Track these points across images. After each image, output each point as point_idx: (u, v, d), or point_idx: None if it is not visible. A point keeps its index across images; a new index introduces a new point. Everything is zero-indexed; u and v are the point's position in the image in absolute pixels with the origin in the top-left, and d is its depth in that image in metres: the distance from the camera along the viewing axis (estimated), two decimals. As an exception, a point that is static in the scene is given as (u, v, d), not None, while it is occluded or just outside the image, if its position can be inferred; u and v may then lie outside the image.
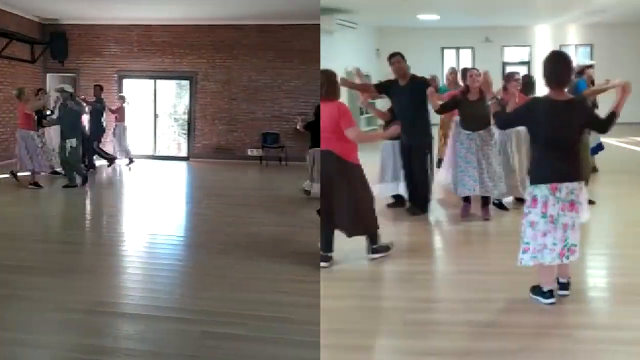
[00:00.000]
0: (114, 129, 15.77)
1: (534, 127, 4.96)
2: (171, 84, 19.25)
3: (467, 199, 8.10)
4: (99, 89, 14.98)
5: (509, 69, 19.76)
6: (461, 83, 9.10)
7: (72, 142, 11.75)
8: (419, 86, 7.89)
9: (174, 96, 19.46)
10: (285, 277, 6.13)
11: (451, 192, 8.36)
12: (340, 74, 6.79)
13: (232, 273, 6.32)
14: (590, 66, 10.26)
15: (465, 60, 23.16)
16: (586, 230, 6.18)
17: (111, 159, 15.01)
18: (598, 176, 10.67)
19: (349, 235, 6.20)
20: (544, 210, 4.85)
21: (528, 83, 8.45)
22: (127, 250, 7.51)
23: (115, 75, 18.19)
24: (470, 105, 7.83)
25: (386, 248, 6.34)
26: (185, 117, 18.60)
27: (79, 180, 11.75)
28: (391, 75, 8.18)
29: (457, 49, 24.06)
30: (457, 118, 8.25)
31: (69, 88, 12.25)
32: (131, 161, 15.79)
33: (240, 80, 17.87)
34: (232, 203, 10.79)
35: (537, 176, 4.93)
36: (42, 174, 12.39)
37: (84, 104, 13.79)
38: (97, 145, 14.70)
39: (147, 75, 18.41)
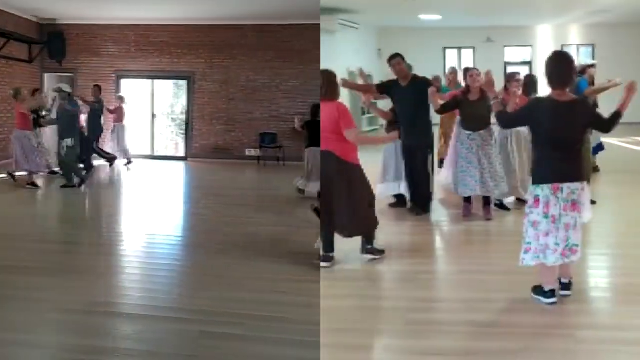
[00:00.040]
0: (113, 129, 15.75)
1: (536, 127, 4.96)
2: (169, 84, 19.23)
3: (468, 199, 8.10)
4: (97, 89, 14.93)
5: (510, 69, 19.77)
6: (463, 83, 9.09)
7: (67, 142, 11.71)
8: (421, 86, 7.88)
9: (171, 96, 19.43)
10: (283, 277, 6.12)
11: (453, 192, 8.34)
12: (342, 74, 6.79)
13: (230, 273, 6.32)
14: (592, 66, 10.26)
15: (467, 60, 23.18)
16: (588, 230, 6.18)
17: (112, 159, 14.96)
18: (599, 176, 10.66)
19: (349, 235, 6.19)
20: (545, 210, 4.85)
21: (530, 83, 8.43)
22: (125, 251, 7.50)
23: (113, 75, 18.16)
24: (471, 105, 7.83)
25: (380, 252, 6.31)
26: (183, 117, 18.58)
27: (77, 180, 11.70)
28: (393, 76, 8.17)
29: (459, 49, 24.08)
30: (459, 118, 8.24)
31: (66, 88, 12.22)
32: (129, 162, 15.76)
33: (238, 80, 17.85)
34: (230, 203, 10.79)
35: (539, 176, 4.93)
36: (40, 174, 12.36)
37: (82, 104, 13.79)
38: (96, 145, 14.65)
39: (144, 75, 18.38)
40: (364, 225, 6.16)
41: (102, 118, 15.05)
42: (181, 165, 17.35)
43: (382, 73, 8.29)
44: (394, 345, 4.53)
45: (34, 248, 7.32)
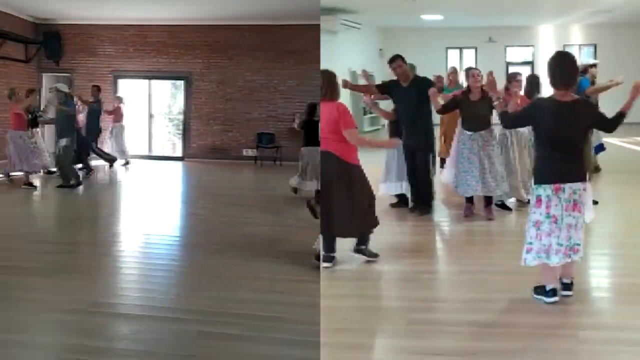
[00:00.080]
0: (111, 130, 15.72)
1: (538, 127, 4.97)
2: (166, 84, 19.21)
3: (470, 199, 8.09)
4: (96, 89, 14.89)
5: (512, 69, 19.79)
6: (465, 83, 9.07)
7: (63, 142, 11.67)
8: (422, 87, 7.87)
9: (169, 96, 19.41)
10: (280, 277, 6.11)
11: (454, 192, 8.32)
12: (344, 74, 6.77)
13: (227, 273, 6.31)
14: (594, 65, 10.26)
15: (469, 60, 23.20)
16: (589, 230, 6.16)
17: (111, 160, 14.88)
18: (601, 176, 10.64)
19: (348, 235, 6.16)
20: (547, 210, 4.86)
21: (534, 83, 8.42)
22: (122, 251, 7.48)
23: (110, 75, 18.15)
24: (472, 106, 7.82)
25: (374, 255, 6.23)
26: (181, 117, 18.57)
27: (73, 180, 11.67)
28: (394, 75, 8.15)
29: (461, 49, 24.09)
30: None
31: (63, 87, 12.17)
32: (127, 162, 15.74)
33: (236, 80, 17.84)
34: (228, 203, 10.78)
35: (541, 176, 4.93)
36: (36, 174, 12.32)
37: (80, 104, 13.78)
38: (96, 145, 14.61)
39: (142, 75, 18.38)
40: (363, 226, 6.12)
41: (101, 118, 15.00)
42: (178, 165, 17.34)
43: (383, 73, 8.29)
44: (395, 345, 4.52)
45: (30, 248, 7.29)
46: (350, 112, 6.09)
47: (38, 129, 12.96)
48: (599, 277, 5.94)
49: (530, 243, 4.97)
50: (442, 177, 8.83)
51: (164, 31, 17.91)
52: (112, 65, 18.17)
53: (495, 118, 7.73)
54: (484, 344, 4.35)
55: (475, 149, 7.77)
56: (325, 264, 6.09)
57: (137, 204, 10.95)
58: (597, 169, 10.45)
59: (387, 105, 8.85)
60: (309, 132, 10.29)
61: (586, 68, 9.82)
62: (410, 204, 8.43)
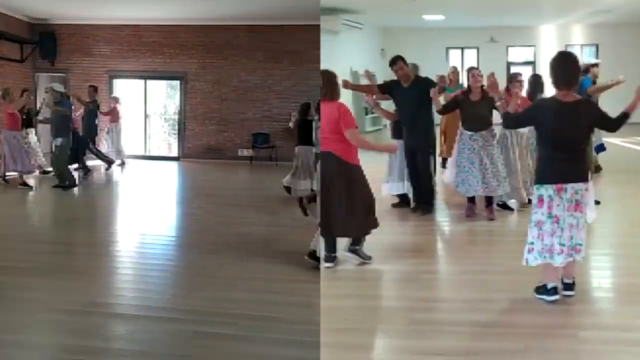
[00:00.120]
0: (108, 130, 15.71)
1: (541, 127, 4.98)
2: (162, 84, 19.21)
3: (471, 199, 8.10)
4: (93, 89, 14.87)
5: (513, 69, 19.82)
6: (466, 83, 9.09)
7: (58, 142, 11.64)
8: (423, 87, 7.88)
9: (164, 96, 19.41)
10: (276, 277, 6.13)
11: (455, 191, 8.32)
12: (345, 74, 6.77)
13: (223, 273, 6.33)
14: (596, 65, 10.29)
15: (471, 60, 23.15)
16: (591, 230, 6.14)
17: (109, 162, 14.77)
18: (603, 176, 10.61)
19: (347, 235, 6.13)
20: (549, 210, 4.88)
21: (537, 83, 8.42)
22: (118, 251, 7.48)
23: (106, 75, 18.12)
24: (472, 106, 7.83)
25: (367, 257, 6.18)
26: (176, 117, 18.57)
27: (69, 181, 11.65)
28: (395, 76, 8.17)
29: (462, 49, 24.07)
30: None
31: (58, 87, 12.15)
32: (123, 163, 15.73)
33: (231, 80, 17.85)
34: (223, 203, 10.80)
35: (543, 176, 4.96)
36: (31, 174, 12.32)
37: (77, 104, 13.78)
38: (94, 145, 14.58)
39: (137, 75, 18.35)
40: (363, 226, 6.09)
41: (98, 118, 14.99)
42: (174, 165, 17.34)
43: (385, 73, 8.30)
44: (396, 345, 4.52)
45: (26, 248, 7.31)
46: (351, 112, 6.08)
47: (32, 129, 12.96)
48: (601, 277, 5.91)
49: (532, 243, 4.99)
50: (444, 177, 8.85)
51: (159, 31, 17.90)
52: (107, 65, 18.15)
53: (495, 118, 7.79)
54: (485, 344, 4.35)
55: (476, 149, 7.77)
56: (327, 264, 6.09)
57: (133, 204, 10.96)
58: (598, 169, 10.42)
59: (388, 105, 8.88)
60: (303, 132, 10.33)
61: (588, 67, 9.84)
62: (412, 204, 8.44)
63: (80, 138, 13.50)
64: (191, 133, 18.16)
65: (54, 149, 11.75)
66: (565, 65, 4.92)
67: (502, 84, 7.93)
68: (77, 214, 10.19)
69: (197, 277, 6.20)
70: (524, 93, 8.20)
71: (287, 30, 17.24)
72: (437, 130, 8.98)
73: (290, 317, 5.04)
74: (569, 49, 16.53)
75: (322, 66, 6.66)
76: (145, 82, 18.64)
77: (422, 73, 8.70)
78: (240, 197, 11.56)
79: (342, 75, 7.96)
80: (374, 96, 8.62)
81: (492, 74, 7.39)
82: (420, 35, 22.02)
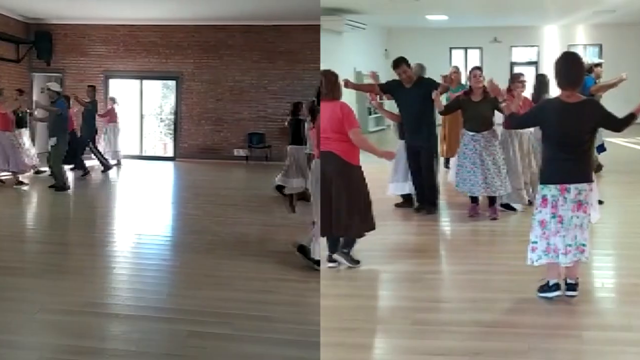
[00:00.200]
0: (106, 130, 15.70)
1: (545, 128, 5.01)
2: (157, 84, 19.20)
3: (474, 199, 8.12)
4: (91, 89, 14.84)
5: (517, 69, 19.80)
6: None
7: (52, 142, 11.61)
8: (425, 88, 7.90)
9: (160, 96, 19.39)
10: (272, 276, 6.15)
11: (459, 191, 8.34)
12: (349, 75, 6.76)
13: (218, 272, 6.35)
14: (599, 64, 10.31)
15: (474, 60, 23.08)
16: (593, 231, 6.13)
17: (106, 167, 14.63)
18: (605, 176, 10.57)
19: (348, 235, 6.09)
20: (553, 210, 4.90)
21: (542, 82, 8.41)
22: (113, 251, 7.49)
23: (102, 75, 18.12)
24: (474, 106, 7.83)
25: (356, 262, 6.12)
26: (172, 117, 18.58)
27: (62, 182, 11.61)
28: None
29: (466, 49, 24.06)
30: None
31: (55, 87, 12.14)
32: (119, 163, 15.73)
33: (226, 80, 17.87)
34: (219, 203, 10.82)
35: (547, 176, 4.99)
36: (23, 174, 12.33)
37: (75, 104, 13.79)
38: (94, 146, 14.55)
39: (133, 75, 18.36)
40: (362, 227, 6.08)
41: (96, 118, 14.98)
42: (170, 165, 17.34)
43: (388, 73, 8.33)
44: (399, 345, 4.52)
45: (21, 248, 7.33)
46: (354, 112, 6.09)
47: (25, 129, 12.97)
48: (604, 277, 5.88)
49: (535, 242, 5.01)
50: (449, 177, 8.85)
51: (155, 31, 17.91)
52: (103, 65, 18.15)
53: (497, 119, 7.82)
54: (488, 344, 4.35)
55: (478, 149, 7.77)
56: (330, 265, 6.10)
57: (129, 204, 10.97)
58: (598, 168, 10.38)
59: (391, 105, 8.89)
60: (295, 131, 10.39)
61: (591, 67, 9.85)
62: (415, 204, 8.46)
63: (78, 138, 13.50)
64: (187, 133, 18.18)
65: (49, 148, 11.75)
66: (569, 65, 4.93)
67: (505, 85, 7.98)
68: (73, 214, 10.21)
69: (192, 276, 6.22)
70: (526, 93, 8.22)
71: (282, 30, 17.28)
72: (438, 131, 9.01)
73: (286, 316, 5.06)
74: (573, 49, 16.51)
75: (326, 66, 6.64)
76: (141, 82, 18.63)
77: (425, 73, 8.74)
78: (236, 197, 11.58)
79: (345, 76, 7.98)
80: (378, 97, 8.65)
81: (491, 80, 7.42)
82: (424, 36, 22.08)
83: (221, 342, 4.57)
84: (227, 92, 17.88)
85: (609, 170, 10.94)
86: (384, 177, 8.72)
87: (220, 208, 10.22)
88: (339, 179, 5.91)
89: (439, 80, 8.18)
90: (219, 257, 6.91)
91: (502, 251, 6.75)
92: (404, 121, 8.27)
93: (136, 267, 6.70)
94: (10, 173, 11.91)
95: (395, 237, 7.07)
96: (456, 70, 11.41)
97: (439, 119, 8.69)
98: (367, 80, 8.80)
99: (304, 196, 7.24)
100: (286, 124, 11.07)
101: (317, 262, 6.17)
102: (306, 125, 9.98)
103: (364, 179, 6.08)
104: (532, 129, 7.83)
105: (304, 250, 6.35)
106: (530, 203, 7.63)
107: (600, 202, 7.12)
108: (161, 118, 19.28)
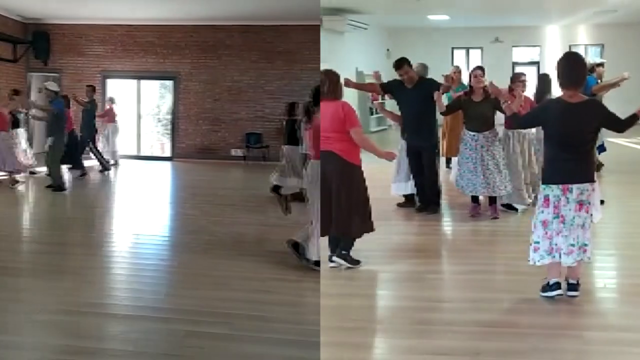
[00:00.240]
0: (105, 130, 15.67)
1: (548, 128, 5.01)
2: (155, 84, 19.19)
3: (475, 199, 8.13)
4: (91, 89, 14.80)
5: (518, 69, 19.79)
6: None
7: (49, 141, 11.57)
8: (426, 88, 7.92)
9: (157, 96, 19.38)
10: (269, 276, 6.14)
11: (460, 191, 8.31)
12: (351, 74, 6.75)
13: (216, 272, 6.34)
14: (601, 64, 10.31)
15: (475, 60, 23.13)
16: (595, 231, 6.08)
17: (105, 168, 14.59)
18: (606, 176, 10.55)
19: (349, 234, 6.05)
20: (555, 210, 4.91)
21: (545, 82, 8.40)
22: (111, 251, 7.48)
23: (99, 75, 18.10)
24: (475, 106, 7.83)
25: (356, 262, 6.08)
26: (169, 117, 18.56)
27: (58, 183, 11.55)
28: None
29: (467, 49, 24.10)
30: None
31: (52, 86, 12.11)
32: (116, 163, 15.69)
33: (224, 80, 17.86)
34: (216, 203, 10.81)
35: (549, 176, 4.99)
36: (18, 174, 12.30)
37: (74, 104, 13.76)
38: (94, 146, 14.51)
39: (130, 75, 18.35)
40: (363, 227, 6.06)
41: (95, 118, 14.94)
42: (167, 165, 17.34)
43: (390, 73, 8.33)
44: (400, 344, 4.51)
45: (18, 249, 7.34)
46: (355, 111, 6.08)
47: (22, 129, 12.94)
48: (605, 277, 5.89)
49: (538, 242, 5.01)
50: (451, 177, 8.84)
51: (152, 31, 17.89)
52: (100, 65, 18.13)
53: (498, 119, 7.82)
54: (489, 344, 4.34)
55: (479, 149, 7.77)
56: (332, 264, 6.07)
57: (127, 204, 10.97)
58: (599, 167, 10.35)
59: (392, 106, 8.87)
60: (290, 131, 10.37)
61: (593, 67, 9.85)
62: (417, 204, 8.44)
63: (77, 138, 13.46)
64: (184, 133, 18.17)
65: (46, 148, 11.71)
66: (572, 66, 4.94)
67: (506, 84, 8.00)
68: (70, 214, 10.19)
69: (190, 276, 6.21)
70: (528, 93, 8.21)
71: (280, 30, 17.28)
72: (439, 130, 9.01)
73: (284, 316, 5.06)
74: (574, 49, 16.58)
75: (328, 66, 6.63)
76: (139, 82, 18.62)
77: (429, 73, 8.72)
78: (233, 197, 11.58)
79: (347, 76, 7.97)
80: (380, 97, 8.63)
81: (492, 83, 7.40)
82: (425, 36, 22.08)
83: (219, 342, 4.57)
84: (225, 92, 17.87)
85: (611, 171, 10.93)
86: (386, 177, 8.73)
87: (218, 208, 10.22)
88: (339, 179, 5.90)
89: (440, 80, 8.18)
90: (217, 257, 6.90)
91: (504, 251, 6.74)
92: (404, 121, 8.27)
93: (134, 267, 6.70)
94: (6, 173, 11.86)
95: (396, 237, 7.07)
96: (457, 70, 11.41)
97: (440, 119, 8.68)
98: (370, 80, 8.78)
99: (298, 197, 7.22)
100: (284, 123, 11.06)
101: (316, 263, 6.15)
102: (302, 125, 9.96)
103: (364, 180, 6.07)
104: (533, 129, 7.83)
105: (296, 247, 6.33)
106: (533, 204, 7.62)
107: (602, 202, 7.11)
108: (159, 118, 19.27)
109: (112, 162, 15.45)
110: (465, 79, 11.51)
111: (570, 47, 20.65)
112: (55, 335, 4.72)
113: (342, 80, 6.38)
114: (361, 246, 6.20)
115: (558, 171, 4.92)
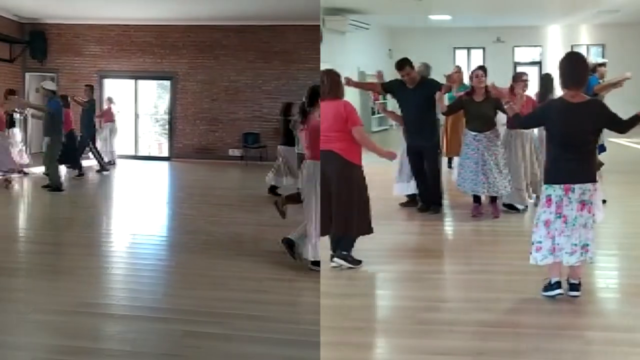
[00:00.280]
0: (104, 129, 15.61)
1: (550, 128, 5.02)
2: (152, 84, 19.17)
3: (477, 199, 8.12)
4: (90, 89, 14.75)
5: (520, 69, 19.79)
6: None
7: (45, 141, 11.52)
8: (428, 89, 7.92)
9: (155, 96, 19.37)
10: (266, 276, 6.12)
11: (462, 191, 8.29)
12: (353, 74, 6.74)
13: (213, 272, 6.32)
14: (603, 64, 10.30)
15: (477, 60, 23.13)
16: (596, 231, 6.09)
17: (103, 168, 14.48)
18: (607, 176, 10.40)
19: (349, 234, 6.03)
20: (558, 210, 4.90)
21: (547, 82, 8.33)
22: (108, 251, 7.45)
23: (96, 75, 18.07)
24: (476, 106, 7.83)
25: (357, 262, 6.05)
26: (167, 117, 18.53)
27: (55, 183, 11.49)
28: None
29: (469, 49, 24.12)
30: None
31: (49, 85, 12.05)
32: (113, 163, 15.64)
33: (221, 80, 17.84)
34: (214, 203, 10.79)
35: (551, 176, 4.98)
36: (13, 173, 12.25)
37: (73, 104, 13.74)
38: (94, 145, 14.45)
39: (127, 75, 18.31)
40: (362, 227, 6.03)
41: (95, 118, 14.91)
42: (165, 165, 17.32)
43: (392, 73, 8.33)
44: (401, 344, 4.49)
45: (14, 249, 7.30)
46: (356, 110, 6.06)
47: (17, 129, 12.89)
48: (607, 277, 5.87)
49: (540, 242, 5.00)
50: (453, 177, 8.83)
51: (149, 31, 17.87)
52: (97, 65, 18.09)
53: (500, 119, 7.80)
54: (491, 344, 4.33)
55: (480, 149, 7.76)
56: (333, 264, 6.04)
57: (124, 204, 10.95)
58: (599, 166, 10.35)
59: (394, 106, 8.85)
60: (285, 131, 10.36)
61: (595, 67, 9.85)
62: (419, 204, 8.43)
63: (76, 138, 13.42)
64: (182, 133, 18.14)
65: (44, 148, 11.67)
66: (574, 65, 4.94)
67: (508, 84, 8.00)
68: (67, 214, 10.14)
69: (187, 276, 6.19)
70: (531, 93, 8.19)
71: (277, 30, 17.26)
72: (440, 131, 9.00)
73: (282, 316, 5.04)
74: (576, 49, 16.53)
75: (329, 66, 6.62)
76: (136, 82, 18.59)
77: (431, 73, 8.71)
78: (231, 197, 11.57)
79: (349, 76, 7.94)
80: (381, 97, 8.62)
81: (493, 84, 7.38)
82: (427, 36, 22.09)
83: (216, 341, 4.55)
84: (222, 92, 17.85)
85: (612, 171, 10.84)
86: (388, 177, 8.73)
87: (215, 208, 10.19)
88: (339, 178, 5.89)
89: (441, 79, 8.16)
90: (214, 257, 6.88)
91: (505, 251, 6.72)
92: (406, 121, 8.26)
93: (131, 267, 6.68)
94: (2, 173, 11.81)
95: (397, 237, 7.05)
96: (458, 70, 11.41)
97: (441, 119, 8.67)
98: (372, 80, 8.77)
99: (293, 199, 7.21)
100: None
101: (313, 263, 6.13)
102: (297, 125, 9.93)
103: (364, 179, 6.06)
104: (535, 129, 7.81)
105: (292, 245, 6.30)
106: (535, 204, 7.60)
107: (604, 201, 7.09)
108: (156, 118, 19.25)
109: (107, 160, 15.35)
110: (466, 79, 11.54)
111: (572, 47, 20.65)
112: (52, 335, 4.69)
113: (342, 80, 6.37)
114: (362, 246, 6.18)
115: (560, 171, 4.91)
